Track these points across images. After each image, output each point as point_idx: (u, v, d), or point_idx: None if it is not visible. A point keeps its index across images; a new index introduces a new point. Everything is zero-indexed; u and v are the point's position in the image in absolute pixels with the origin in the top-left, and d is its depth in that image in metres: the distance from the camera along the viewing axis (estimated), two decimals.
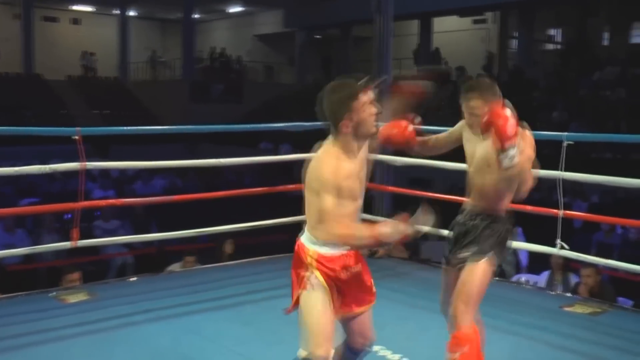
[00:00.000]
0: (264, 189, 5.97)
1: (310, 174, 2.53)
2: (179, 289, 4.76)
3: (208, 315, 4.25)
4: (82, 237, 4.56)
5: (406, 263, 5.60)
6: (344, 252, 2.58)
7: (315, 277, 2.55)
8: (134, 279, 5.24)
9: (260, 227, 5.46)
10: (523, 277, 6.28)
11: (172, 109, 22.44)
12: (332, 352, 2.58)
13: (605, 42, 23.06)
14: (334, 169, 2.47)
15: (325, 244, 2.55)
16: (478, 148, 2.99)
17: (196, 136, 15.78)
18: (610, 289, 5.35)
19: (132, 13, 28.90)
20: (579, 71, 17.57)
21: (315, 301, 2.53)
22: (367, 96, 2.50)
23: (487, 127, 2.71)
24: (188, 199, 6.55)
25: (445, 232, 4.72)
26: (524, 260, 6.46)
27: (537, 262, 6.09)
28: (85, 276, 5.28)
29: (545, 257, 5.53)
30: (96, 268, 7.61)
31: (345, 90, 2.51)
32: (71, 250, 4.63)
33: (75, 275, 5.11)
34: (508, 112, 2.69)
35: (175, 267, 6.16)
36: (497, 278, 5.54)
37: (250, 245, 6.81)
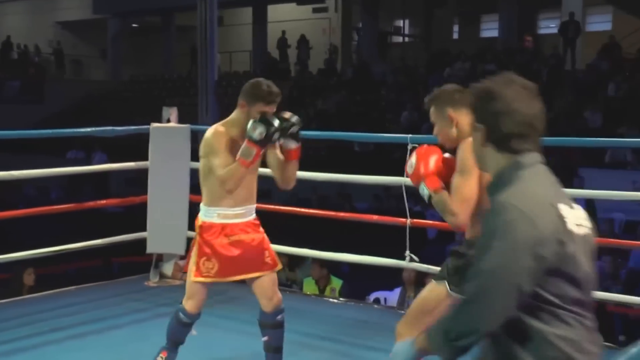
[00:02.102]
0: (72, 206, 5.91)
1: None
2: None
3: None
4: None
5: (237, 286, 5.57)
6: None
7: None
8: None
9: (67, 252, 5.30)
10: (375, 295, 6.51)
11: None
12: None
13: (455, 36, 24.51)
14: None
15: None
16: None
17: None
18: None
19: None
20: (428, 67, 18.54)
21: None
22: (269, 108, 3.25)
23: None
24: None
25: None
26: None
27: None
28: None
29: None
30: None
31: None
32: None
33: None
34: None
35: None
36: (342, 298, 5.71)
37: (55, 275, 6.60)
